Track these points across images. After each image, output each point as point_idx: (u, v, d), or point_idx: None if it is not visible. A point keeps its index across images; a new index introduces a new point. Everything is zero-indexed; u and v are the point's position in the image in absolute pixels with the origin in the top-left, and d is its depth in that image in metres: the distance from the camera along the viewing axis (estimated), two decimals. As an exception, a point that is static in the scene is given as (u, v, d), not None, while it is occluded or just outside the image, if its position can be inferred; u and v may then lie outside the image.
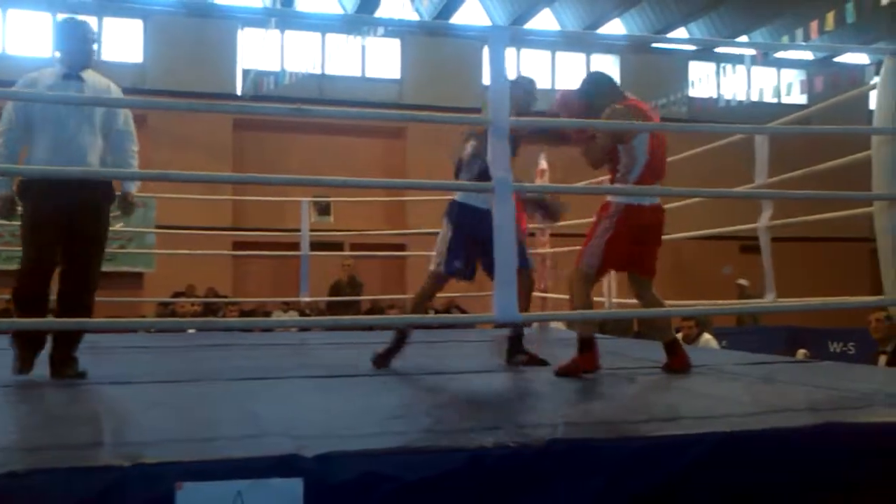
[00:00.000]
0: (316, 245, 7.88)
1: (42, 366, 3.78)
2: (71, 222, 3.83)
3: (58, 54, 4.07)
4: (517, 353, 4.37)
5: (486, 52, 3.18)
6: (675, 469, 2.30)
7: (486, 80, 15.13)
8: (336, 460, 2.09)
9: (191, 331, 7.88)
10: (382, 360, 4.23)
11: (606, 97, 4.06)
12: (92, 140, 3.93)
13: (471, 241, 4.18)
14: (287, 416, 2.83)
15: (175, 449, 2.19)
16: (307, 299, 7.54)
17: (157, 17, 15.47)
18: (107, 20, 15.70)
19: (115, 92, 4.18)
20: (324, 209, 14.34)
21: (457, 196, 4.43)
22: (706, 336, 7.79)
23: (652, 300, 4.10)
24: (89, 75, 4.07)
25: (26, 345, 3.78)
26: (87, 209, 3.87)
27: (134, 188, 4.15)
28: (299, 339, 6.73)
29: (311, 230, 7.54)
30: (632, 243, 3.95)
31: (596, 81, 4.23)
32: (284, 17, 15.46)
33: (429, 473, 2.14)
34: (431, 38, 16.47)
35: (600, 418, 2.80)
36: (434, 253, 4.43)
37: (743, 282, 12.30)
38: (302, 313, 11.44)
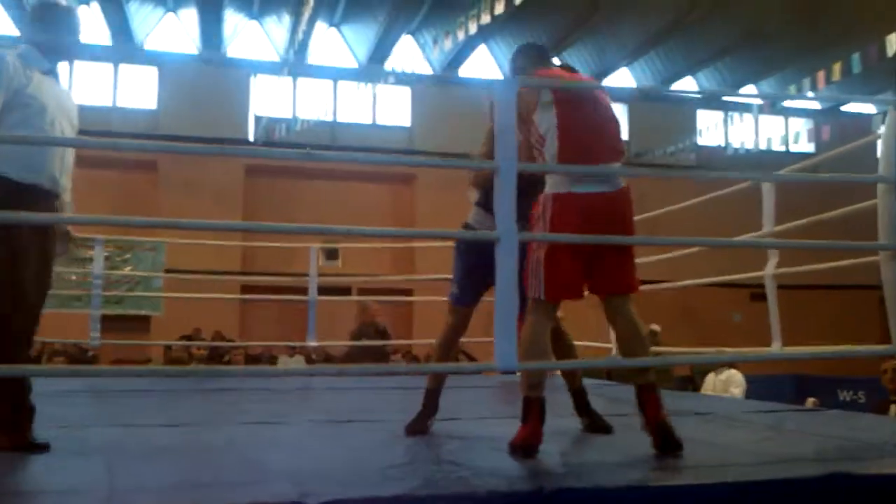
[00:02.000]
0: (323, 290, 7.90)
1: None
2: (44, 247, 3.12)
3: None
4: (582, 414, 3.84)
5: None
6: (680, 519, 2.27)
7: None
8: (339, 507, 2.08)
9: (197, 375, 7.87)
10: (418, 426, 3.69)
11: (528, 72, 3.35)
12: (71, 153, 3.25)
13: (475, 267, 3.74)
14: (290, 461, 2.81)
15: (178, 496, 2.18)
16: (314, 344, 7.53)
17: (172, 64, 15.71)
18: (122, 66, 15.96)
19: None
20: (332, 253, 14.42)
21: (469, 218, 4.01)
22: (732, 370, 7.79)
23: (627, 324, 3.09)
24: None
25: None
26: (53, 233, 3.17)
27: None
28: (304, 384, 6.71)
29: (319, 275, 7.56)
30: (578, 247, 3.03)
31: (511, 61, 3.51)
32: (297, 67, 15.66)
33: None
34: (441, 86, 16.67)
35: (606, 466, 2.78)
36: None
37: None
38: (308, 358, 11.41)
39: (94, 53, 15.36)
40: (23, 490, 2.34)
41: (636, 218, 3.22)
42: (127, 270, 8.96)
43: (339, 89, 16.71)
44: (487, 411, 4.67)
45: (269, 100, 16.28)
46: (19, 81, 3.05)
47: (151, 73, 15.96)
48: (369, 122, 16.94)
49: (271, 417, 4.08)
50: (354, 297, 13.62)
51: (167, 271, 9.51)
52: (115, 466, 2.59)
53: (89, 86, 15.61)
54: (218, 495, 2.20)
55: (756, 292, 5.96)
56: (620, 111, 18.21)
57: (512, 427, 3.02)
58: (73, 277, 8.20)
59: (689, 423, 4.02)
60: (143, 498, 2.08)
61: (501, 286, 2.79)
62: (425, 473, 2.59)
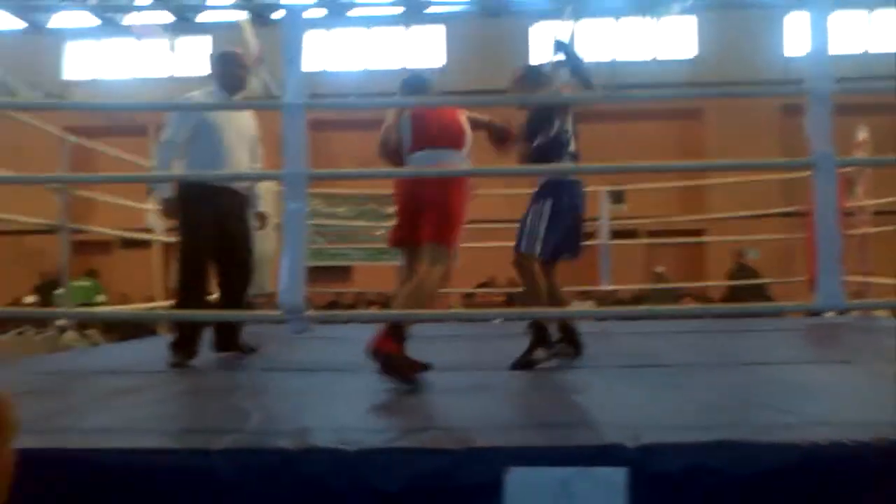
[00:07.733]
0: (611, 233, 7.85)
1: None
2: (223, 224, 4.43)
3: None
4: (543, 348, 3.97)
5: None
6: None
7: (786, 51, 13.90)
8: (660, 451, 2.11)
9: (496, 321, 8.20)
10: (525, 363, 3.89)
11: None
12: (244, 157, 4.52)
13: (558, 228, 4.03)
14: (605, 404, 2.86)
15: (503, 434, 2.31)
16: (608, 287, 7.54)
17: (455, 21, 16.25)
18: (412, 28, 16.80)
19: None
20: (618, 197, 14.27)
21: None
22: None
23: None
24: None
25: (185, 339, 4.30)
26: (234, 213, 4.54)
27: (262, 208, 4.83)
28: (600, 328, 6.76)
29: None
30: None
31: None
32: (578, 6, 15.47)
33: (756, 469, 2.09)
34: (725, 13, 15.70)
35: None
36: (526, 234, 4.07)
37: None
38: (601, 303, 11.43)
39: (385, 19, 16.18)
40: (358, 426, 2.58)
41: None
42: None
43: (620, 27, 16.31)
44: (792, 357, 4.44)
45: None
46: (197, 115, 4.35)
47: (439, 31, 16.61)
48: (649, 58, 16.41)
49: (572, 362, 4.15)
50: (643, 241, 13.43)
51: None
52: (441, 406, 2.77)
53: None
54: (541, 436, 2.30)
55: None
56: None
57: (819, 373, 2.86)
58: (378, 233, 8.81)
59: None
60: (470, 435, 2.22)
61: (823, 218, 2.61)
62: (740, 419, 2.54)
